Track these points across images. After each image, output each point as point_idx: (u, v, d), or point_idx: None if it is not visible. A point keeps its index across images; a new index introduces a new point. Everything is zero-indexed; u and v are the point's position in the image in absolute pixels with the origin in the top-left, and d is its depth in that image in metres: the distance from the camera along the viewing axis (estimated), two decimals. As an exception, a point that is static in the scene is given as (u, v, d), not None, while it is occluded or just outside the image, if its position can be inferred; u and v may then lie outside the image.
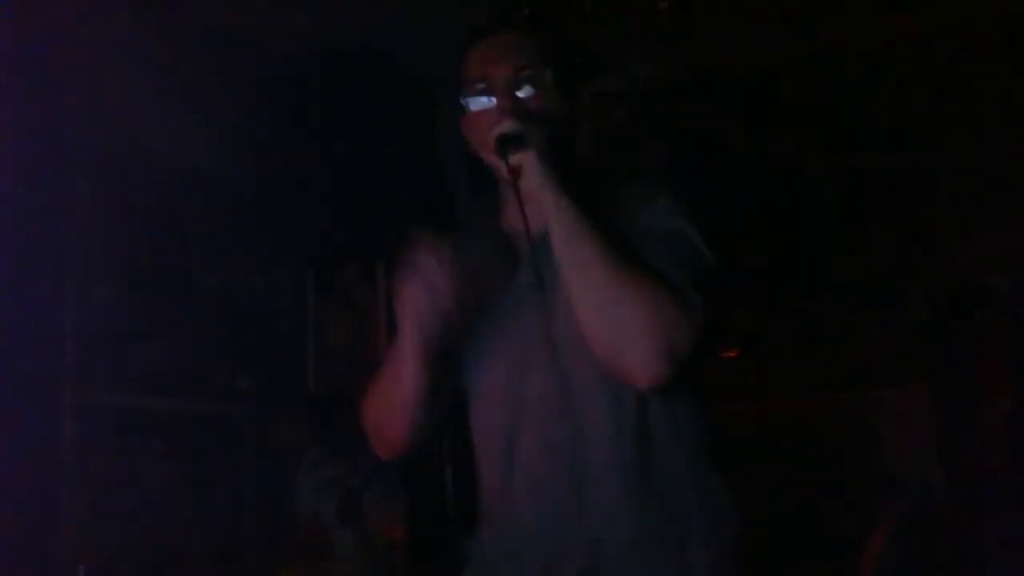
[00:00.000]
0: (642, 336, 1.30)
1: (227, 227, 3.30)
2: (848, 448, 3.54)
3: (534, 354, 1.44)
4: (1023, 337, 3.22)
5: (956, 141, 3.62)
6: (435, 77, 3.83)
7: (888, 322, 3.56)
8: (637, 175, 1.55)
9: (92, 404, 2.56)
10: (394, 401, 1.48)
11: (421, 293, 1.37)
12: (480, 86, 1.47)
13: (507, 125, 1.38)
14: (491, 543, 1.49)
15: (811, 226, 3.77)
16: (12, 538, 2.28)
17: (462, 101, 1.49)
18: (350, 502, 3.19)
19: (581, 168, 1.52)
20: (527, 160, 1.36)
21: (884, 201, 3.71)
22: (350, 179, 3.44)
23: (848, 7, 3.66)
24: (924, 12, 3.68)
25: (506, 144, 1.37)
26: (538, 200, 1.36)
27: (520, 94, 1.45)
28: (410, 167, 3.69)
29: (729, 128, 3.97)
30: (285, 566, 3.12)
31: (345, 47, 3.40)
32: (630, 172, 1.58)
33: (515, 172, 1.37)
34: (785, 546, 3.43)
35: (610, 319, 1.32)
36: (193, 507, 2.96)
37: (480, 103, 1.46)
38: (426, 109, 4.02)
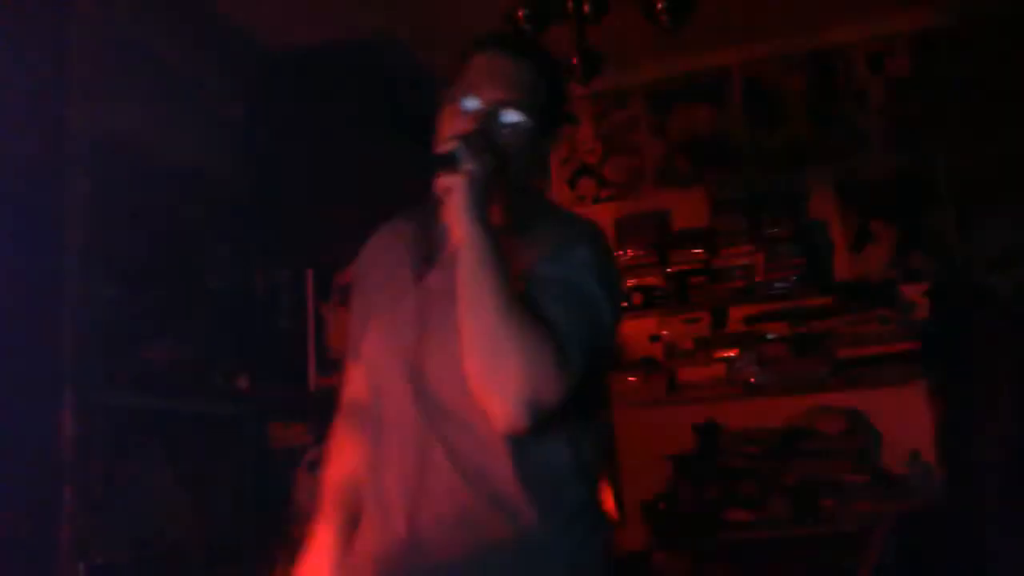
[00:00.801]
0: (509, 386, 1.33)
1: (227, 227, 3.30)
2: (847, 448, 3.54)
3: (435, 354, 1.48)
4: (1023, 337, 3.22)
5: (956, 141, 3.63)
6: (434, 78, 3.84)
7: (888, 322, 3.56)
8: (577, 218, 1.58)
9: (92, 404, 2.56)
10: None
11: None
12: (465, 95, 1.50)
13: (452, 145, 1.41)
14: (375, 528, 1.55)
15: (811, 226, 3.78)
16: (12, 538, 2.28)
17: (446, 97, 1.53)
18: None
19: (520, 206, 1.55)
20: (457, 184, 1.39)
21: (884, 201, 3.72)
22: (350, 179, 3.44)
23: (848, 7, 3.66)
24: (924, 12, 3.69)
25: (442, 162, 1.41)
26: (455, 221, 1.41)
27: (493, 118, 1.48)
28: (410, 167, 3.69)
29: (729, 128, 3.97)
30: (285, 566, 3.12)
31: (345, 47, 3.40)
32: (572, 214, 1.62)
33: (444, 190, 1.41)
34: (785, 546, 3.43)
35: (485, 361, 1.36)
36: (193, 507, 2.96)
37: (456, 108, 1.50)
38: (426, 108, 4.02)
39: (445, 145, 1.42)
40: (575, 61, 3.16)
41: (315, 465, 3.26)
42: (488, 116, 1.48)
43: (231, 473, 3.15)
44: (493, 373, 1.35)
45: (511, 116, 1.48)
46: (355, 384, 1.69)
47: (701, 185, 3.95)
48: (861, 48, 3.83)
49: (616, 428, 3.75)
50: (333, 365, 3.47)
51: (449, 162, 1.40)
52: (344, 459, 1.67)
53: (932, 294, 3.51)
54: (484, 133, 1.45)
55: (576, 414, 1.45)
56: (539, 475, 1.45)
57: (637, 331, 3.87)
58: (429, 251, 1.56)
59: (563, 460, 1.48)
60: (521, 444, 1.42)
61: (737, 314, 3.81)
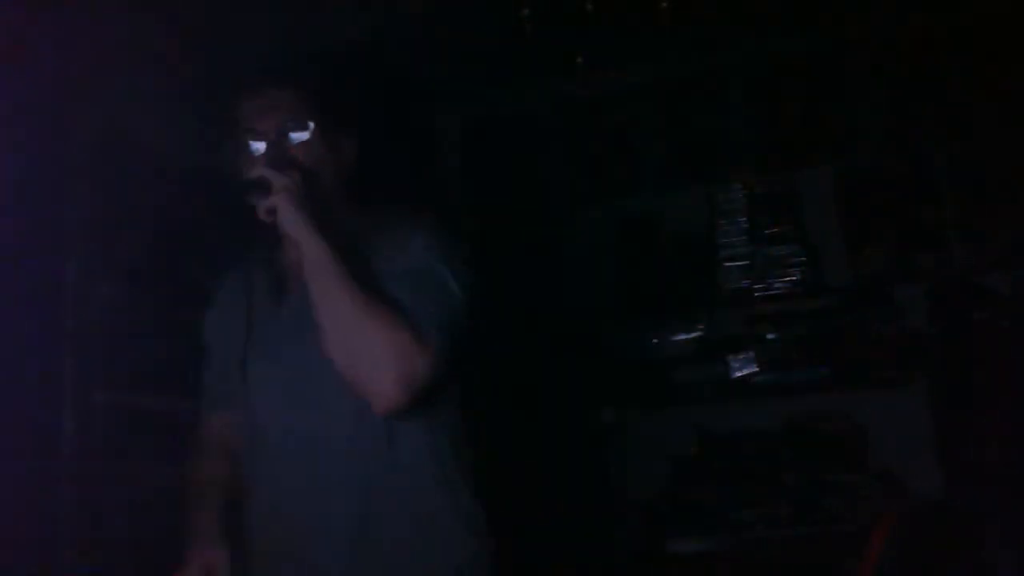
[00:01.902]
0: (377, 367, 1.46)
1: (227, 227, 3.29)
2: (847, 448, 3.54)
3: (292, 375, 1.61)
4: (1023, 337, 3.22)
5: (956, 140, 3.63)
6: (434, 78, 3.84)
7: (888, 322, 3.56)
8: (414, 210, 1.67)
9: (92, 404, 2.56)
10: None
11: None
12: (250, 137, 1.63)
13: (255, 171, 1.54)
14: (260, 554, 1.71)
15: (810, 226, 3.78)
16: (12, 538, 2.28)
17: (234, 151, 1.66)
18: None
19: (349, 210, 1.69)
20: (277, 203, 1.50)
21: (884, 201, 3.71)
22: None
23: (848, 7, 3.66)
24: (924, 12, 3.69)
25: (254, 189, 1.53)
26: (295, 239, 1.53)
27: (284, 145, 1.61)
28: (409, 167, 3.69)
29: (729, 128, 3.97)
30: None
31: (345, 47, 3.40)
32: (408, 207, 1.70)
33: (270, 213, 1.52)
34: (785, 546, 3.43)
35: (350, 350, 1.49)
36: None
37: (250, 152, 1.63)
38: (424, 110, 4.02)
39: (251, 174, 1.54)
40: (575, 61, 3.17)
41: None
42: (276, 145, 1.59)
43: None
44: (361, 360, 1.47)
45: (296, 136, 1.61)
46: (215, 431, 1.84)
47: (702, 185, 3.95)
48: (861, 48, 3.83)
49: (616, 428, 3.75)
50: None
51: (260, 186, 1.51)
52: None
53: (932, 294, 3.51)
54: (280, 153, 1.58)
55: (441, 410, 1.60)
56: (409, 479, 1.57)
57: (637, 331, 3.87)
58: (281, 282, 1.69)
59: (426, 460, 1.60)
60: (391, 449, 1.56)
61: (737, 314, 3.81)
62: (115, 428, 2.67)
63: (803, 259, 3.69)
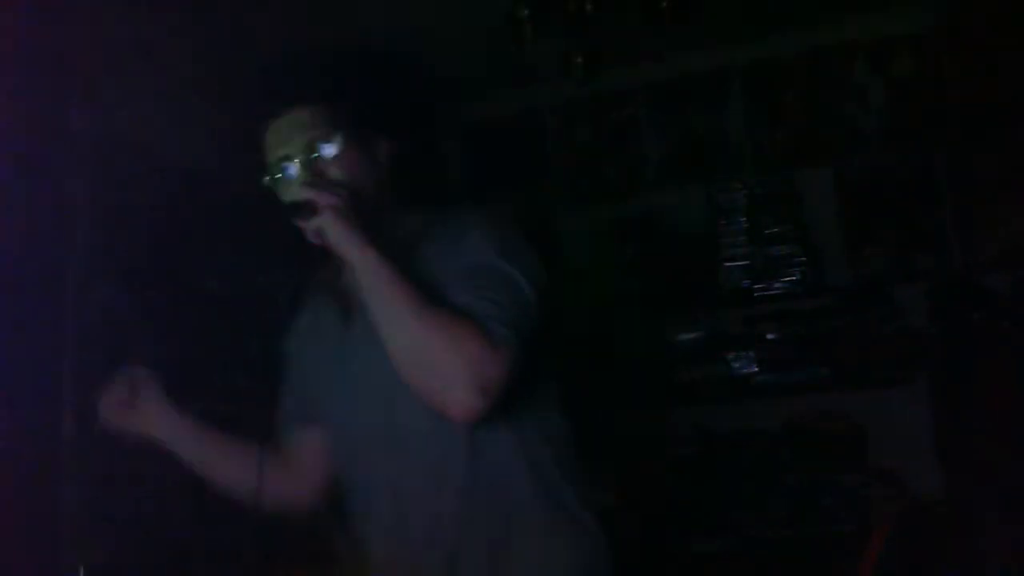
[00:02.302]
0: (449, 376, 1.39)
1: (227, 227, 3.30)
2: (847, 448, 3.53)
3: (368, 397, 1.57)
4: (1023, 337, 3.22)
5: (956, 140, 3.63)
6: (435, 77, 3.84)
7: (888, 322, 3.56)
8: (466, 210, 1.63)
9: (92, 404, 2.56)
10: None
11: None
12: (281, 161, 1.57)
13: (295, 194, 1.48)
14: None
15: (811, 226, 3.77)
16: (12, 538, 2.28)
17: (268, 178, 1.59)
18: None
19: (401, 213, 1.64)
20: (324, 223, 1.45)
21: (884, 201, 3.71)
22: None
23: (848, 7, 3.66)
24: (924, 12, 3.69)
25: (299, 212, 1.47)
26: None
27: (316, 163, 1.55)
28: (410, 166, 3.68)
29: (729, 128, 3.97)
30: (285, 567, 3.11)
31: (346, 45, 3.40)
32: (460, 207, 1.66)
33: (319, 236, 1.47)
34: (785, 546, 3.43)
35: (418, 363, 1.42)
36: (193, 507, 2.96)
37: (285, 176, 1.57)
38: (425, 108, 4.02)
39: (293, 198, 1.48)
40: (575, 60, 3.16)
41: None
42: (310, 163, 1.54)
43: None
44: (430, 372, 1.40)
45: (326, 150, 1.55)
46: (302, 454, 1.80)
47: (701, 185, 3.95)
48: (861, 48, 3.83)
49: (616, 428, 3.75)
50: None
51: (305, 209, 1.46)
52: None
53: (932, 294, 3.51)
54: (315, 171, 1.53)
55: (522, 408, 1.52)
56: (494, 480, 1.52)
57: (637, 331, 3.87)
58: (345, 299, 1.64)
59: (511, 459, 1.54)
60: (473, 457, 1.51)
61: (737, 314, 3.81)
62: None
63: (803, 259, 3.69)
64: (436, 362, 1.39)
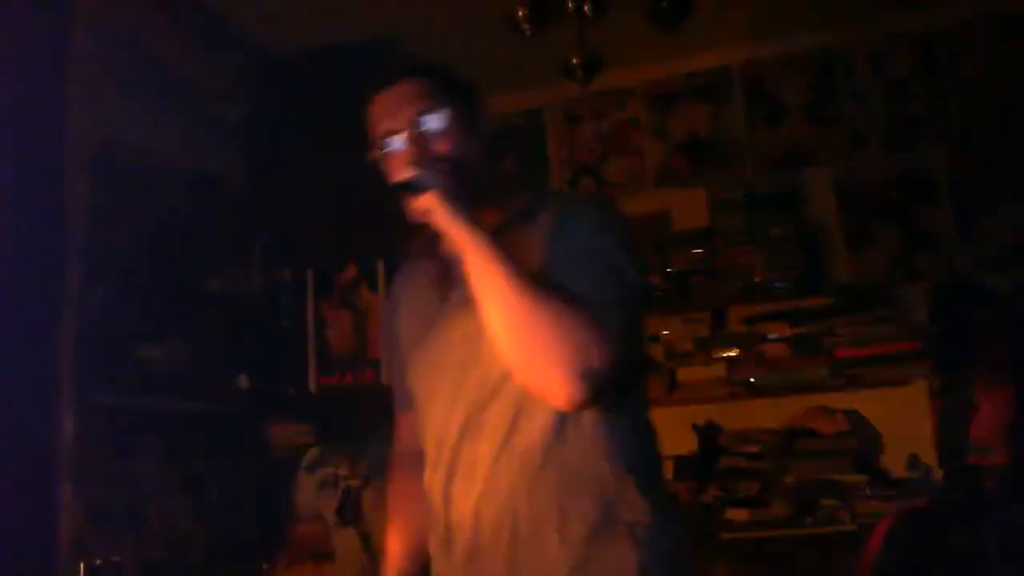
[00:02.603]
0: (555, 360, 1.35)
1: (227, 227, 3.30)
2: (847, 448, 3.53)
3: (465, 376, 1.52)
4: (1023, 337, 3.22)
5: (956, 141, 3.63)
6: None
7: (888, 322, 3.56)
8: (566, 193, 1.60)
9: (92, 404, 2.56)
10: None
11: None
12: (386, 136, 1.54)
13: (404, 172, 1.46)
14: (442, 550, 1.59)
15: (811, 226, 3.78)
16: (12, 538, 2.28)
17: (374, 152, 1.57)
18: (350, 502, 3.19)
19: (503, 192, 1.61)
20: (432, 200, 1.43)
21: (884, 201, 3.71)
22: (350, 179, 3.44)
23: (848, 7, 3.66)
24: (924, 12, 3.69)
25: (406, 190, 1.45)
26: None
27: (422, 138, 1.52)
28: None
29: (729, 128, 3.97)
30: (285, 566, 3.12)
31: (345, 47, 3.40)
32: (560, 190, 1.63)
33: (426, 213, 1.44)
34: (785, 546, 3.43)
35: (522, 347, 1.38)
36: (193, 507, 2.96)
37: (390, 151, 1.54)
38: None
39: (401, 176, 1.46)
40: (575, 61, 3.16)
41: (315, 466, 3.26)
42: (415, 139, 1.52)
43: (231, 473, 3.15)
44: (538, 357, 1.36)
45: (432, 123, 1.53)
46: (405, 435, 1.75)
47: (701, 185, 3.95)
48: (861, 48, 3.84)
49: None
50: (333, 365, 3.47)
51: (412, 187, 1.44)
52: (408, 515, 1.74)
53: (932, 294, 3.51)
54: (421, 147, 1.50)
55: (614, 404, 1.46)
56: (588, 473, 1.47)
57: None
58: (450, 282, 1.58)
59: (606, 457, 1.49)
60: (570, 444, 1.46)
61: (737, 314, 3.80)
62: (114, 428, 2.67)
63: (804, 259, 3.68)
64: (542, 346, 1.35)
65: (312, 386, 3.45)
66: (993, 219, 3.50)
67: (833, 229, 3.77)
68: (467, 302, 1.46)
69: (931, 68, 3.72)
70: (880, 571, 2.58)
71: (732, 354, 3.73)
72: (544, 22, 3.07)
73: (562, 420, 1.46)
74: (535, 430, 1.46)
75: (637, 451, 1.52)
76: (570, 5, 3.02)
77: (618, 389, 1.44)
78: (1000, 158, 3.53)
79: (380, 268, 3.47)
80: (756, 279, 3.72)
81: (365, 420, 3.14)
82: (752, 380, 3.68)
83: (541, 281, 1.39)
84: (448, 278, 1.58)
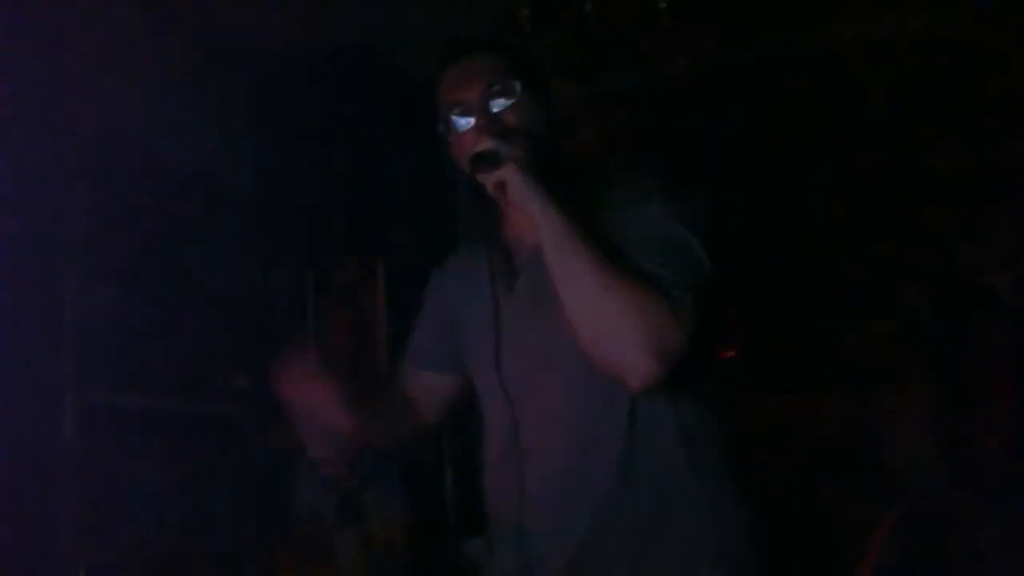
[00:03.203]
0: (631, 339, 1.33)
1: (227, 227, 3.30)
2: (847, 448, 3.53)
3: (531, 361, 1.51)
4: (1023, 337, 3.22)
5: (956, 141, 3.62)
6: (430, 78, 3.83)
7: (888, 322, 3.56)
8: (633, 175, 1.58)
9: (92, 404, 2.56)
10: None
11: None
12: (456, 109, 1.53)
13: (480, 144, 1.43)
14: (500, 541, 1.57)
15: (811, 226, 3.77)
16: (12, 538, 2.28)
17: (442, 127, 1.56)
18: (350, 502, 3.19)
19: (572, 171, 1.59)
20: (508, 175, 1.39)
21: (884, 201, 3.71)
22: (350, 179, 3.44)
23: (848, 7, 3.66)
24: (925, 12, 3.69)
25: (482, 162, 1.42)
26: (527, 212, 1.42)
27: (494, 111, 1.51)
28: (410, 166, 3.69)
29: (729, 128, 3.97)
30: (285, 566, 3.12)
31: (345, 47, 3.40)
32: (627, 172, 1.61)
33: (499, 188, 1.41)
34: (785, 546, 3.42)
35: (599, 324, 1.36)
36: (193, 507, 2.96)
37: (459, 125, 1.53)
38: (426, 108, 4.01)
39: (474, 149, 1.43)
40: (575, 61, 3.16)
41: (315, 465, 3.26)
42: (487, 114, 1.50)
43: (231, 473, 3.15)
44: (614, 334, 1.35)
45: (502, 101, 1.51)
46: (412, 386, 1.77)
47: (701, 185, 3.94)
48: (861, 48, 3.83)
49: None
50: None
51: (488, 160, 1.41)
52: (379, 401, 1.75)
53: (932, 294, 3.51)
54: (493, 121, 1.48)
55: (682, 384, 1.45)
56: (645, 459, 1.46)
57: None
58: (506, 265, 1.58)
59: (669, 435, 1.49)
60: (627, 427, 1.45)
61: (736, 314, 3.80)
62: (115, 428, 2.68)
63: (803, 258, 3.68)
64: (619, 325, 1.34)
65: (312, 386, 3.44)
66: (993, 219, 3.50)
67: (833, 229, 3.77)
68: (535, 293, 1.47)
69: (931, 68, 3.72)
70: (881, 571, 2.58)
71: (732, 354, 3.73)
72: (544, 21, 3.07)
73: (636, 405, 1.45)
74: (609, 413, 1.46)
75: (705, 435, 1.54)
76: (570, 4, 3.03)
77: (687, 373, 1.43)
78: (1000, 158, 3.53)
79: (380, 268, 3.46)
80: (755, 279, 3.71)
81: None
82: (752, 380, 3.68)
83: (619, 260, 1.38)
84: (511, 267, 1.57)
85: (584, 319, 1.37)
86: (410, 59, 3.56)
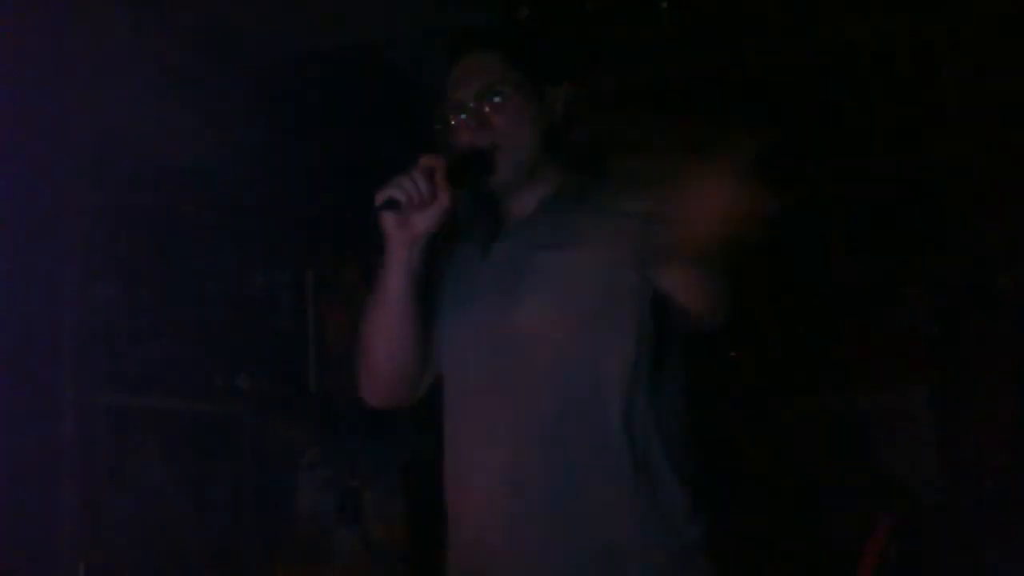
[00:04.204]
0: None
1: (227, 227, 3.30)
2: (848, 448, 3.54)
3: (497, 335, 1.52)
4: (1023, 337, 3.22)
5: (956, 141, 3.63)
6: (435, 76, 3.83)
7: (888, 322, 3.56)
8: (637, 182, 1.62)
9: (92, 404, 2.56)
10: (388, 335, 1.56)
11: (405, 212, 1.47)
12: (451, 106, 1.57)
13: (465, 139, 1.52)
14: (455, 527, 1.58)
15: (811, 226, 3.77)
16: (12, 538, 2.28)
17: (437, 123, 1.60)
18: (350, 502, 3.19)
19: (565, 173, 1.63)
20: (385, 222, 1.48)
21: (884, 201, 3.72)
22: (350, 178, 3.44)
23: (848, 7, 3.66)
24: (924, 12, 3.69)
25: (469, 159, 1.50)
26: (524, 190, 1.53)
27: (486, 111, 1.54)
28: (410, 166, 3.69)
29: (728, 127, 3.97)
30: (285, 566, 3.12)
31: (345, 46, 3.40)
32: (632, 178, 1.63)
33: (486, 181, 1.51)
34: (785, 546, 3.43)
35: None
36: (193, 507, 2.96)
37: (452, 122, 1.57)
38: (426, 108, 4.02)
39: (463, 143, 1.51)
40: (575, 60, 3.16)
41: (315, 465, 3.26)
42: (477, 116, 1.54)
43: (231, 473, 3.15)
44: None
45: (496, 99, 1.54)
46: None
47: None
48: (861, 48, 3.83)
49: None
50: (333, 365, 3.47)
51: (474, 160, 1.50)
52: None
53: (932, 294, 3.51)
54: (482, 118, 1.53)
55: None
56: (634, 434, 1.47)
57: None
58: (491, 231, 1.61)
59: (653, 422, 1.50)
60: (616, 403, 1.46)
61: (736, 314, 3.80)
62: (115, 428, 2.68)
63: (803, 258, 3.69)
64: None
65: (312, 386, 3.45)
66: (993, 219, 3.50)
67: (833, 229, 3.77)
68: (510, 258, 1.50)
69: (931, 68, 3.72)
70: (881, 572, 2.59)
71: (733, 354, 3.73)
72: (544, 21, 3.07)
73: (599, 393, 1.46)
74: (598, 402, 1.47)
75: (676, 434, 1.57)
76: (571, 4, 3.03)
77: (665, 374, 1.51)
78: (1000, 158, 3.53)
79: (380, 268, 3.46)
80: (756, 279, 3.72)
81: (365, 420, 3.14)
82: (753, 380, 3.69)
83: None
84: (494, 236, 1.60)
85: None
86: (410, 59, 3.57)
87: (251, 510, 3.20)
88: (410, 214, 1.47)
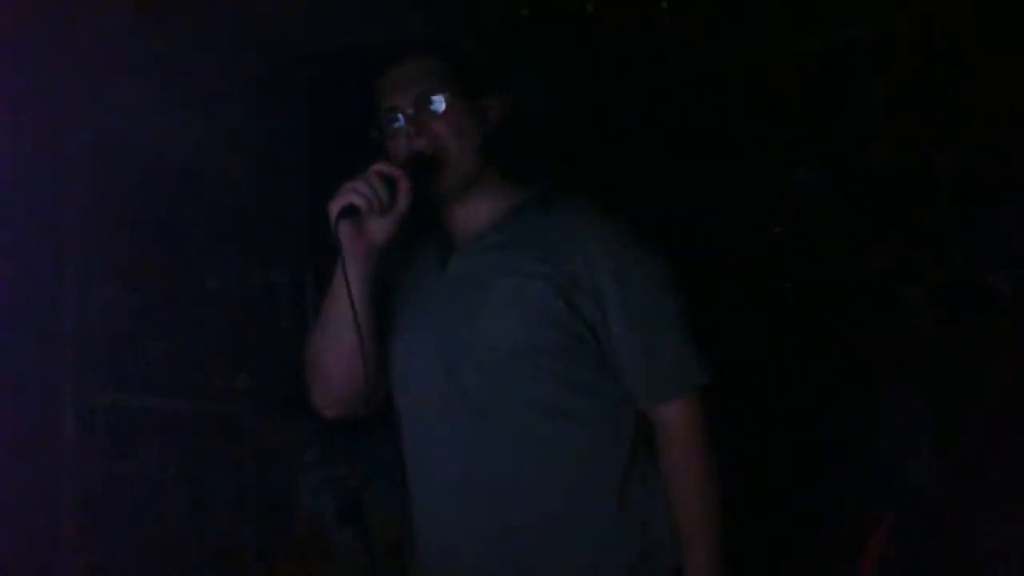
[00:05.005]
0: None
1: (227, 227, 3.30)
2: (847, 448, 3.53)
3: (446, 353, 1.53)
4: (1023, 337, 3.22)
5: (956, 141, 3.62)
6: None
7: (888, 322, 3.56)
8: (568, 193, 1.63)
9: (92, 404, 2.56)
10: (340, 347, 1.57)
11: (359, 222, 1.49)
12: (388, 114, 1.56)
13: (402, 146, 1.52)
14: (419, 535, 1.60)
15: (811, 226, 3.77)
16: (12, 538, 2.28)
17: (375, 131, 1.60)
18: (350, 502, 3.19)
19: (503, 182, 1.63)
20: (341, 229, 1.49)
21: (884, 201, 3.71)
22: (350, 179, 3.43)
23: (848, 7, 3.66)
24: (924, 12, 3.69)
25: (411, 164, 1.49)
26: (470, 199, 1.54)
27: (422, 118, 1.54)
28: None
29: (729, 128, 3.97)
30: (285, 566, 3.12)
31: (345, 46, 3.40)
32: (559, 187, 1.64)
33: (429, 187, 1.51)
34: (785, 546, 3.43)
35: None
36: (193, 507, 2.96)
37: (391, 130, 1.57)
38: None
39: (401, 151, 1.51)
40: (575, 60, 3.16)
41: (315, 465, 3.26)
42: (415, 121, 1.53)
43: (231, 473, 3.15)
44: None
45: (433, 104, 1.54)
46: None
47: (701, 184, 3.94)
48: (861, 48, 3.83)
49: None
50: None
51: (415, 161, 1.49)
52: None
53: (932, 294, 3.51)
54: (421, 125, 1.52)
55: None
56: (571, 456, 1.50)
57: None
58: (445, 246, 1.61)
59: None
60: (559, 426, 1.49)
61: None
62: (115, 428, 2.68)
63: (803, 258, 3.69)
64: None
65: (312, 386, 3.44)
66: (993, 219, 3.50)
67: (833, 228, 3.77)
68: (468, 276, 1.51)
69: (931, 68, 3.72)
70: (881, 571, 2.59)
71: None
72: (545, 21, 3.07)
73: (555, 397, 1.48)
74: (532, 411, 1.49)
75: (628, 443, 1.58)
76: (570, 5, 3.03)
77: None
78: (1000, 158, 3.53)
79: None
80: (757, 279, 3.71)
81: (365, 420, 3.14)
82: (753, 380, 3.68)
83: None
84: (448, 251, 1.60)
85: None
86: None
87: (251, 510, 3.20)
88: (368, 222, 1.46)
